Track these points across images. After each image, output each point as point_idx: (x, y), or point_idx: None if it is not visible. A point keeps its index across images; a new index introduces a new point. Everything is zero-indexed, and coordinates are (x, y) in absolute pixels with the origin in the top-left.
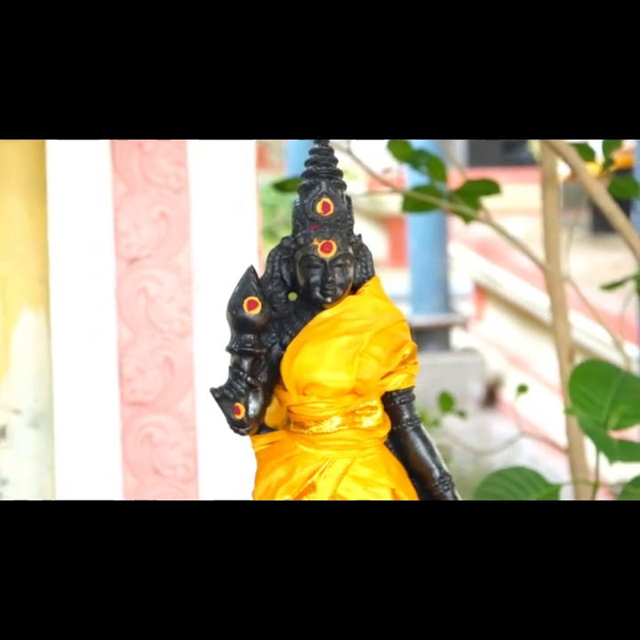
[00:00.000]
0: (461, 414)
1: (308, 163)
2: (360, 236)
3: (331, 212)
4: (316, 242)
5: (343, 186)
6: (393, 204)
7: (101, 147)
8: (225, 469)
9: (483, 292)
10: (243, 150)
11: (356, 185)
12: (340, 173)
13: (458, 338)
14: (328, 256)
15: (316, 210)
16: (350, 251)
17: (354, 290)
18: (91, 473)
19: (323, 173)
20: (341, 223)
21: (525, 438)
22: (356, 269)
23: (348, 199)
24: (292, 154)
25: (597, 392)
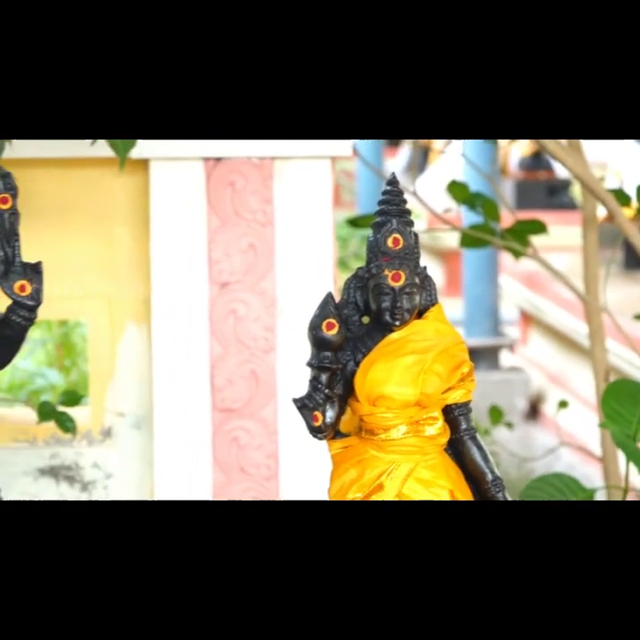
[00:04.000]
0: (508, 425)
1: (380, 202)
2: (425, 267)
3: (400, 246)
4: (386, 272)
5: (411, 223)
6: (450, 239)
7: (198, 184)
8: (303, 469)
9: (528, 319)
10: (321, 190)
11: (418, 222)
12: (408, 212)
13: (505, 358)
14: (397, 285)
15: (387, 244)
16: (417, 280)
17: (419, 315)
18: (185, 470)
19: (393, 212)
20: (409, 256)
21: (564, 448)
22: (421, 297)
23: (416, 235)
24: (362, 194)
25: (627, 408)
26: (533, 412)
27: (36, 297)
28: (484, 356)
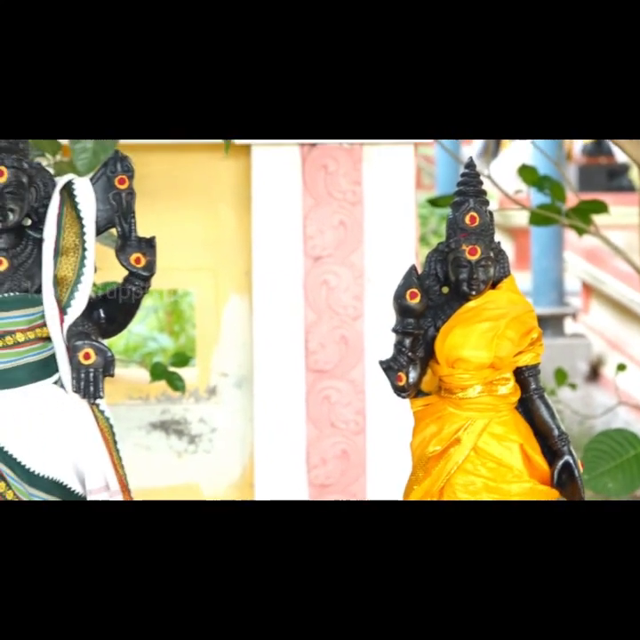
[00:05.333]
0: (572, 386)
1: (459, 184)
2: (499, 242)
3: (477, 223)
4: (464, 247)
5: (487, 203)
6: (520, 218)
7: (294, 167)
8: (388, 425)
9: (589, 290)
10: (405, 173)
11: (491, 203)
12: (484, 193)
13: (569, 326)
14: (474, 258)
15: (465, 221)
16: (491, 254)
17: (493, 285)
18: (281, 425)
19: (471, 192)
20: (485, 232)
21: (622, 406)
22: (495, 269)
23: (491, 214)
24: (440, 177)
25: None
26: (594, 374)
27: (150, 268)
28: (549, 324)
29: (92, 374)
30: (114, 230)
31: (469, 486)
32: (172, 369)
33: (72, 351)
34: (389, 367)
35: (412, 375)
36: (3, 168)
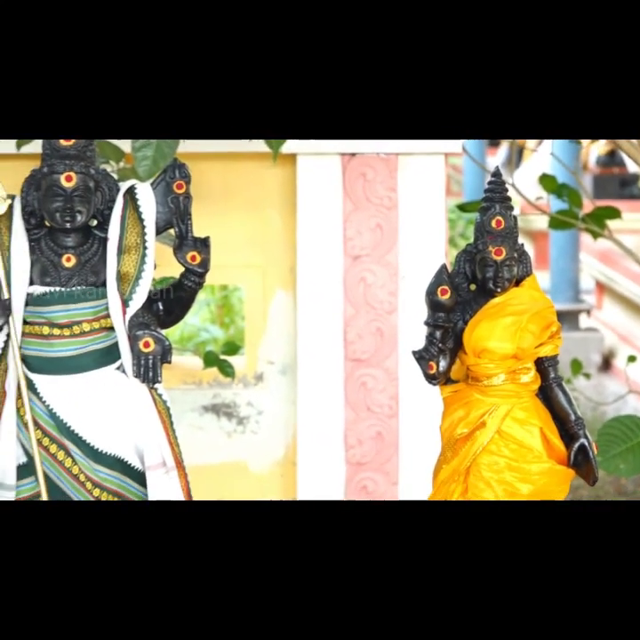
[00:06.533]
0: (586, 376)
1: (486, 191)
2: (522, 244)
3: (502, 226)
4: (490, 248)
5: (511, 208)
6: (540, 222)
7: (336, 175)
8: (419, 409)
9: (602, 288)
10: (436, 180)
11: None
12: (509, 199)
13: (583, 321)
14: (499, 258)
15: (491, 225)
16: (515, 255)
17: (517, 283)
18: (322, 408)
19: (497, 199)
20: (509, 235)
21: (632, 395)
22: (518, 268)
23: (515, 218)
24: (467, 185)
25: None
26: (606, 365)
27: (205, 265)
28: (566, 319)
29: (151, 361)
30: (172, 231)
31: (493, 465)
32: (222, 357)
33: (133, 340)
34: (421, 357)
35: (442, 364)
36: (72, 174)
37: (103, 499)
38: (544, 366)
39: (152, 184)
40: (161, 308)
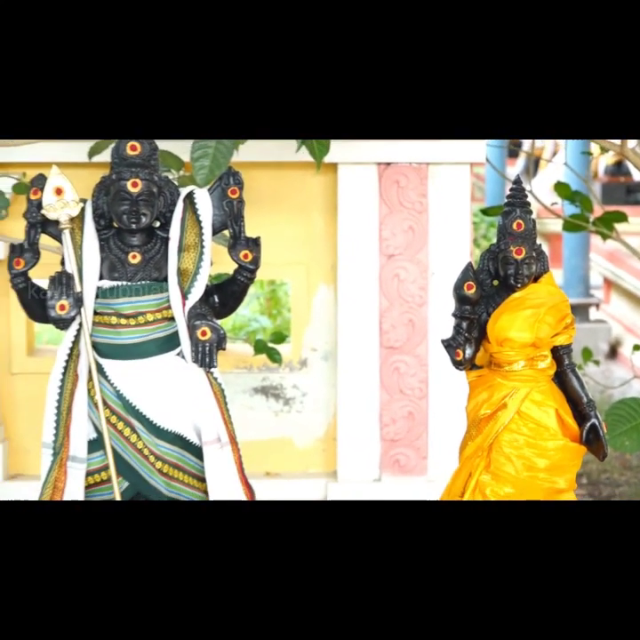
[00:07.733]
0: (595, 362)
1: (508, 196)
2: (540, 245)
3: (522, 228)
4: (512, 248)
5: (531, 212)
6: (554, 225)
7: (372, 182)
8: (447, 392)
9: (610, 284)
10: (462, 187)
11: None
12: (528, 204)
13: (593, 313)
14: (520, 257)
15: (512, 227)
16: (534, 254)
17: (535, 279)
18: (359, 391)
19: (518, 203)
20: (529, 236)
21: (636, 380)
22: (537, 266)
23: (534, 221)
24: (489, 191)
25: None
26: (613, 353)
27: (256, 263)
28: (577, 312)
29: (207, 348)
30: (227, 232)
31: (513, 442)
32: (271, 345)
33: (192, 329)
34: (449, 345)
35: (468, 352)
36: (137, 180)
37: (165, 471)
38: (559, 354)
39: (209, 190)
40: (216, 300)
